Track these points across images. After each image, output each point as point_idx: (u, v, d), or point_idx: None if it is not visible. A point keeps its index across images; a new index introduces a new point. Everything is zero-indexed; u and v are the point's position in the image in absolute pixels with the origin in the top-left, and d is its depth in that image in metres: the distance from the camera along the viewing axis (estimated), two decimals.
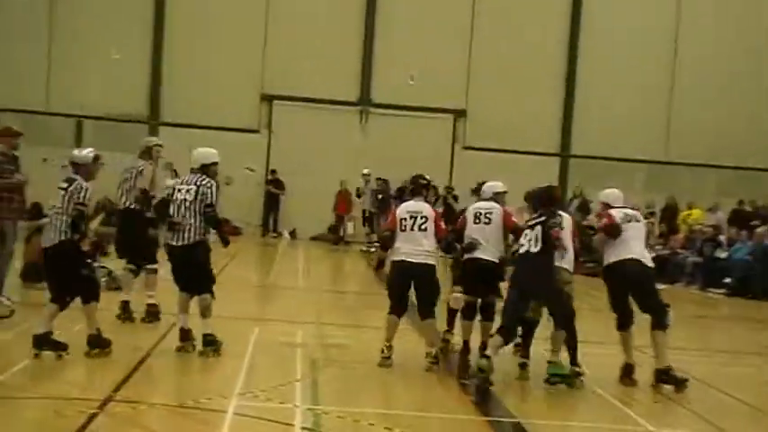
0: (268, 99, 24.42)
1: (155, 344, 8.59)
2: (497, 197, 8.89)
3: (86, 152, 8.05)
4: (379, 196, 22.58)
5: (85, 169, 7.92)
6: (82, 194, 7.72)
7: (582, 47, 24.85)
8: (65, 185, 7.80)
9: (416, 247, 8.23)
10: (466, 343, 8.99)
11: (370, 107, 24.61)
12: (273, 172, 24.21)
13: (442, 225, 8.44)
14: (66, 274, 7.66)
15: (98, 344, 7.87)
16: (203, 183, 8.35)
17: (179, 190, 8.40)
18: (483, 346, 8.61)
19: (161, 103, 24.11)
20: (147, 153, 9.96)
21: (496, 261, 8.64)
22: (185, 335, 8.41)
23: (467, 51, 24.73)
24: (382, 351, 8.39)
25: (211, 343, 8.29)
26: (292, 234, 24.15)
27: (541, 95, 24.73)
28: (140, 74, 23.85)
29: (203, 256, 8.30)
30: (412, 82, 24.60)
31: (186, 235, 8.25)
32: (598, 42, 24.77)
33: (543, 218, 7.77)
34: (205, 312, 8.28)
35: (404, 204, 8.52)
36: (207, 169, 8.47)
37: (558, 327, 7.99)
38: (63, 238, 7.66)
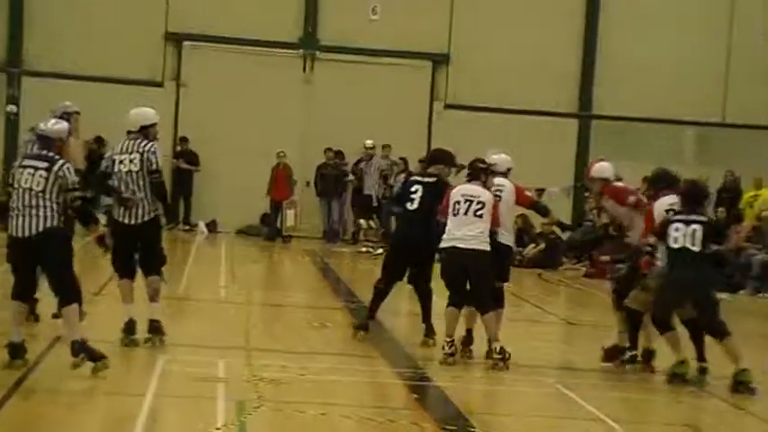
0: (175, 40, 24.21)
1: (22, 375, 8.47)
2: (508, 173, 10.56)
3: (55, 123, 9.07)
4: (391, 181, 22.13)
5: (60, 145, 8.93)
6: (71, 178, 8.76)
7: None
8: (43, 165, 8.71)
9: (470, 232, 9.96)
10: (469, 332, 10.59)
11: (317, 51, 24.52)
12: (184, 140, 24.01)
13: (498, 215, 10.17)
14: (50, 268, 8.75)
15: (92, 356, 8.68)
16: (146, 148, 9.97)
17: (120, 161, 9.94)
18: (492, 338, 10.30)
19: (23, 46, 23.79)
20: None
21: (509, 245, 10.54)
22: (130, 327, 9.99)
23: None
24: (443, 348, 10.06)
25: (158, 330, 10.04)
26: (210, 226, 24.03)
27: (553, 36, 24.78)
28: None
29: (156, 233, 10.17)
30: (374, 17, 24.53)
31: (140, 212, 9.96)
32: None
33: (703, 218, 9.83)
34: (154, 296, 10.10)
35: (459, 187, 10.22)
36: (147, 131, 10.14)
37: (717, 337, 9.78)
38: (49, 225, 8.65)
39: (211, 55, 24.13)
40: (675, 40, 24.81)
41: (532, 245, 21.31)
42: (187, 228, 23.78)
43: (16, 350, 8.75)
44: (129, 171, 9.92)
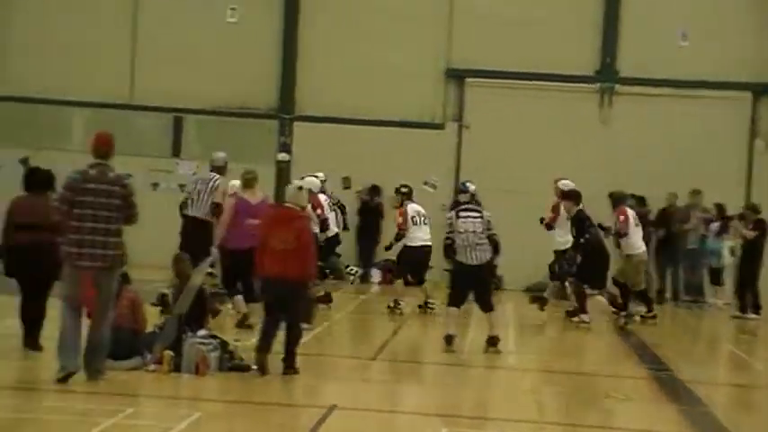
0: (457, 77, 24.67)
1: None
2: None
3: (469, 182, 15.64)
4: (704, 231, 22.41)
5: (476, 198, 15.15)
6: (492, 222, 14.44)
7: None
8: (477, 214, 14.30)
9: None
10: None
11: (617, 83, 24.38)
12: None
13: None
14: (487, 287, 14.51)
15: (493, 343, 14.21)
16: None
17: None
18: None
19: (296, 91, 24.87)
20: (224, 169, 16.25)
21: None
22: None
23: None
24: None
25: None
26: (496, 283, 24.08)
27: None
28: (267, 52, 24.72)
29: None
30: (684, 43, 24.17)
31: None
32: None
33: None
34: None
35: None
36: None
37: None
38: (489, 256, 14.22)
39: (496, 92, 24.39)
40: None
41: None
42: None
43: (451, 339, 13.99)
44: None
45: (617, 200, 18.57)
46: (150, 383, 11.06)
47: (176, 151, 24.75)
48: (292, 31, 24.78)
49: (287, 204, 12.13)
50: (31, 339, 12.12)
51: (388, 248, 18.90)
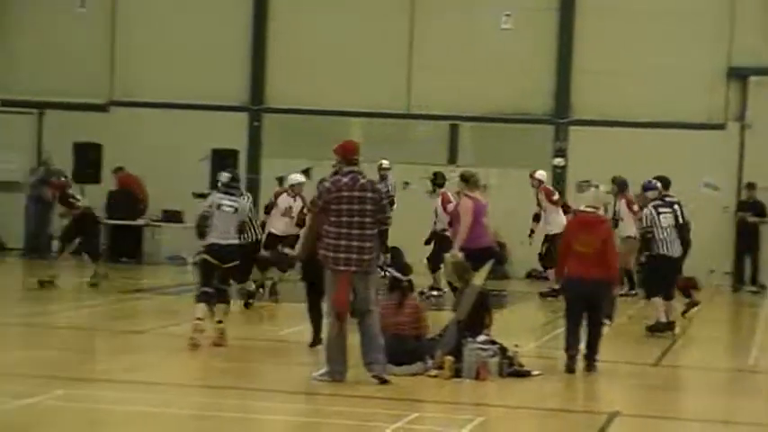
0: (739, 76, 23.97)
1: None
2: None
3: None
4: None
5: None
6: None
7: None
8: (670, 210, 15.24)
9: None
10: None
11: None
12: (751, 187, 23.55)
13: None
14: (677, 277, 15.79)
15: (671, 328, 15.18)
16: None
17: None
18: None
19: (571, 95, 24.70)
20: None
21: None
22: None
23: None
24: None
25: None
26: None
27: None
28: (541, 57, 24.65)
29: None
30: None
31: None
32: None
33: None
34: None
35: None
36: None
37: None
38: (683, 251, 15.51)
39: None
40: None
41: None
42: (755, 290, 23.30)
43: (666, 326, 15.04)
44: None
45: (620, 185, 19.64)
46: (432, 389, 11.18)
47: (452, 158, 24.95)
48: (568, 36, 24.58)
49: (588, 209, 12.54)
50: (319, 341, 12.53)
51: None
